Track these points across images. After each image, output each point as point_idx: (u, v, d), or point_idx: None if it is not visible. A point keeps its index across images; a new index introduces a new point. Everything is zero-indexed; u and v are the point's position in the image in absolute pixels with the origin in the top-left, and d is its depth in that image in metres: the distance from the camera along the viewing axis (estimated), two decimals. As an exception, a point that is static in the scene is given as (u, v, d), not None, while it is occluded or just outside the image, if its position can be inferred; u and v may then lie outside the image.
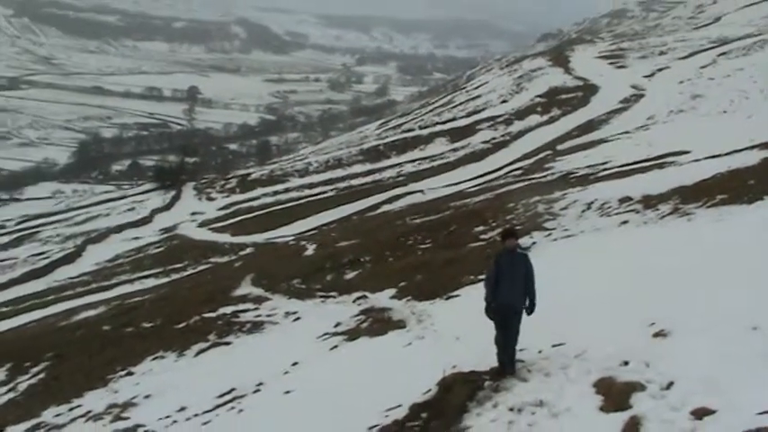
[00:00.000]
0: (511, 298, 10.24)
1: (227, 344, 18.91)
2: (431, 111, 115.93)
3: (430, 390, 10.97)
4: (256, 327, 19.87)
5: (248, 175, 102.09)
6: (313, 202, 68.66)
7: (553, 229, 23.88)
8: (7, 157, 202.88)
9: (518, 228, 20.35)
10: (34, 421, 16.68)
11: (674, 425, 7.53)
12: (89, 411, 16.19)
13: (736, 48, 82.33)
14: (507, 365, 10.26)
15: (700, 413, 7.31)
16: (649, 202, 24.18)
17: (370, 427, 10.47)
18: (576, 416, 8.80)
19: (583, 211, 25.58)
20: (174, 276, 45.18)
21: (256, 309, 21.81)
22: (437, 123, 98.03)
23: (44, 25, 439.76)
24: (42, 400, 18.31)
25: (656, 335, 10.28)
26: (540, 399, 9.54)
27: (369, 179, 76.39)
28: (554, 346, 11.05)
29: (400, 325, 15.91)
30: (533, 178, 44.73)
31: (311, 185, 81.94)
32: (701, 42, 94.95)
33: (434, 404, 10.58)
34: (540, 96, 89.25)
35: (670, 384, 8.53)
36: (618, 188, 28.13)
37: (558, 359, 10.58)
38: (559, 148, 59.85)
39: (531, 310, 10.49)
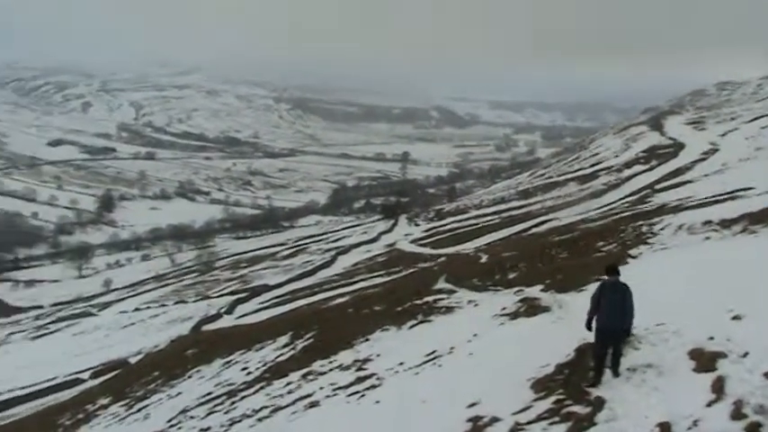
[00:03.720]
0: (611, 323, 9.30)
1: (430, 321, 18.95)
2: (564, 164, 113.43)
3: (569, 354, 10.74)
4: (449, 310, 19.81)
5: (442, 209, 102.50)
6: (485, 227, 68.11)
7: (653, 243, 22.93)
8: (287, 199, 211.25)
9: (630, 249, 19.66)
10: (306, 369, 17.19)
11: (749, 383, 7.35)
12: (341, 364, 16.57)
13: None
14: (598, 374, 9.36)
15: (769, 374, 6.91)
16: (725, 224, 23.03)
17: (528, 379, 10.35)
18: (677, 374, 8.48)
19: (675, 231, 24.42)
20: (394, 276, 45.68)
21: (448, 298, 21.76)
22: (569, 172, 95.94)
23: (310, 114, 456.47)
24: (311, 356, 18.85)
25: (734, 318, 9.83)
26: (649, 362, 9.26)
27: (522, 211, 75.17)
28: (657, 325, 10.63)
29: (546, 309, 15.61)
30: (638, 209, 42.94)
31: (484, 215, 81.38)
32: (761, 110, 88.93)
33: (573, 364, 10.35)
34: (642, 152, 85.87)
35: (746, 354, 8.21)
36: (701, 214, 26.75)
37: (660, 334, 10.26)
38: (657, 187, 57.30)
39: (626, 335, 9.60)
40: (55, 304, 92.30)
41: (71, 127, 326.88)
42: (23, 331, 69.44)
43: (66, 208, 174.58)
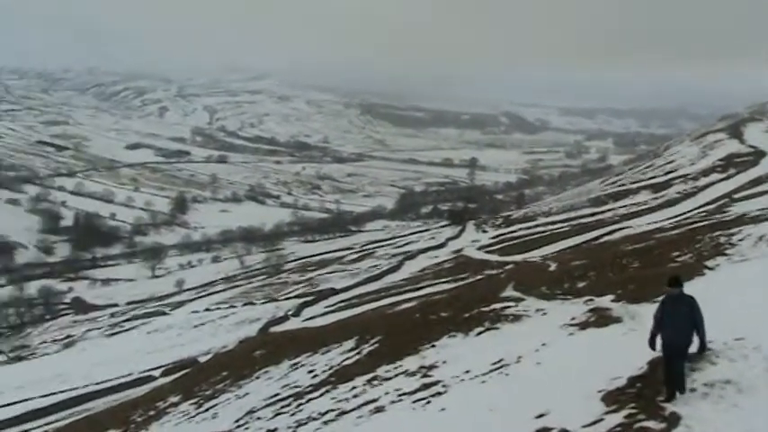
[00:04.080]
0: (674, 338, 8.85)
1: (497, 329, 18.70)
2: (638, 171, 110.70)
3: (642, 367, 10.42)
4: (516, 318, 19.52)
5: (510, 215, 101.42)
6: (554, 234, 67.01)
7: (732, 254, 22.06)
8: (355, 203, 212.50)
9: (707, 260, 19.01)
10: (372, 374, 17.19)
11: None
12: (406, 370, 16.50)
13: None
14: (671, 390, 8.96)
15: None
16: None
17: (599, 391, 10.07)
18: (757, 392, 8.11)
19: (756, 242, 23.45)
20: (461, 282, 45.38)
21: (516, 306, 21.44)
22: (642, 180, 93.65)
23: (379, 119, 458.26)
24: (377, 361, 18.84)
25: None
26: (728, 378, 8.89)
27: (593, 219, 73.68)
28: (736, 339, 10.16)
29: (618, 320, 15.23)
30: (715, 218, 41.54)
31: (553, 222, 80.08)
32: None
33: (646, 377, 10.04)
34: (720, 160, 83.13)
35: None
36: (784, 226, 25.67)
37: (739, 350, 9.80)
38: (735, 196, 55.36)
39: (702, 349, 9.19)
40: (130, 303, 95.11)
41: (148, 131, 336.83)
42: (100, 328, 71.81)
43: (142, 209, 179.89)
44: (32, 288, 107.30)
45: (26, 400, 38.92)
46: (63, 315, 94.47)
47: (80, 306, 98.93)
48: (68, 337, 69.70)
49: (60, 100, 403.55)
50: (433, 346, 18.42)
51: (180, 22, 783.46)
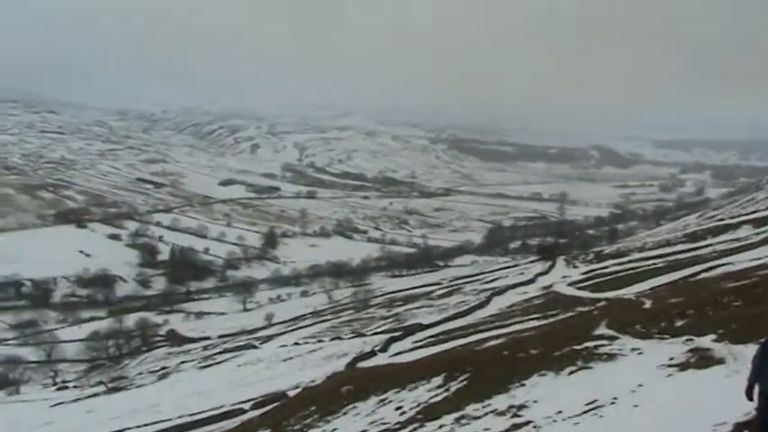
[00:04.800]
0: None
1: (590, 368, 18.07)
2: (738, 205, 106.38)
3: (749, 412, 9.79)
4: (610, 357, 18.83)
5: (602, 251, 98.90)
6: (648, 270, 64.76)
7: None
8: (443, 238, 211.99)
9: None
10: (460, 413, 16.87)
11: None
12: (495, 409, 16.12)
13: None
14: None
15: None
16: None
17: (702, 437, 9.54)
18: None
19: None
20: (551, 319, 44.32)
21: (610, 344, 20.71)
22: (743, 214, 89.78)
23: (466, 154, 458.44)
24: (465, 399, 18.50)
25: None
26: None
27: (690, 255, 70.93)
28: None
29: (721, 361, 14.45)
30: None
31: (647, 258, 77.53)
32: None
33: (753, 424, 9.44)
34: (828, 193, 79.02)
35: None
36: None
37: None
38: None
39: None
40: (221, 336, 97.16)
41: (241, 167, 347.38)
42: (193, 360, 73.51)
43: (234, 244, 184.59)
44: (130, 320, 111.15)
45: (122, 430, 40.06)
46: (158, 347, 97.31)
47: (175, 338, 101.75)
48: (163, 368, 71.62)
49: (159, 139, 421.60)
50: (523, 384, 17.96)
51: (271, 63, 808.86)
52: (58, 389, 74.81)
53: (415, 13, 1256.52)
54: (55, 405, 59.26)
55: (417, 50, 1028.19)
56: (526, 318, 50.03)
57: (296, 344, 67.49)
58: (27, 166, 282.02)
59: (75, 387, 72.96)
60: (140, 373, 73.16)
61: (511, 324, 47.77)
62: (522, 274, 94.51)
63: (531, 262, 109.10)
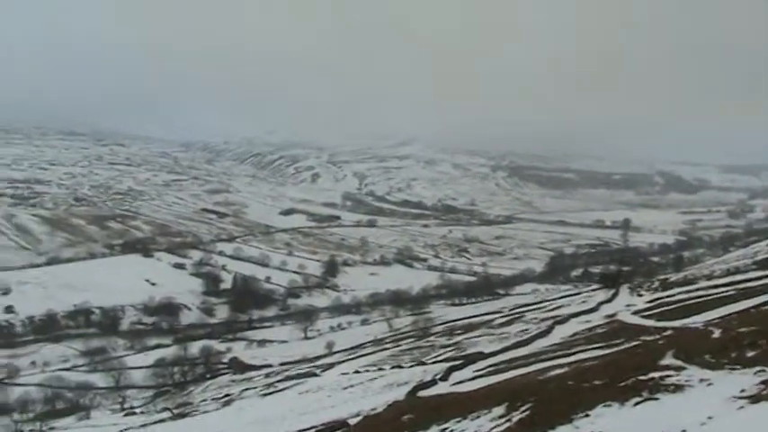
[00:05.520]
0: None
1: (656, 399, 17.68)
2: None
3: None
4: (678, 388, 18.38)
5: (667, 278, 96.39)
6: (717, 299, 62.81)
7: None
8: (503, 266, 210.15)
9: None
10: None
11: None
12: (560, 440, 15.95)
13: None
14: None
15: None
16: None
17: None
18: None
19: None
20: (615, 349, 43.40)
21: (677, 375, 20.21)
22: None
23: (527, 181, 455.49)
24: (527, 429, 18.33)
25: None
26: None
27: (761, 282, 68.63)
28: None
29: (796, 393, 14.01)
30: None
31: (715, 286, 75.22)
32: None
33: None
34: None
35: None
36: None
37: None
38: None
39: None
40: (283, 363, 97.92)
41: (301, 197, 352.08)
42: (255, 388, 74.25)
43: (295, 272, 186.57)
44: (195, 348, 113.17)
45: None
46: (222, 374, 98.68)
47: (237, 366, 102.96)
48: (227, 395, 72.54)
49: (222, 169, 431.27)
50: (587, 415, 17.67)
51: (330, 93, 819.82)
52: (126, 414, 76.52)
53: (475, 42, 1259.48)
54: (123, 430, 60.65)
55: (478, 78, 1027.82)
56: (589, 347, 49.09)
57: (357, 372, 67.59)
58: (96, 197, 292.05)
59: (142, 413, 74.45)
60: (205, 400, 74.24)
61: (573, 353, 46.94)
62: (584, 302, 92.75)
63: (594, 290, 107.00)
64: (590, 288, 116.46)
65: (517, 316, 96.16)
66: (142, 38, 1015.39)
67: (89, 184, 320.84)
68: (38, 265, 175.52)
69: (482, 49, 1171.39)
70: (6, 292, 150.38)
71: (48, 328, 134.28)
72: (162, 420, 62.53)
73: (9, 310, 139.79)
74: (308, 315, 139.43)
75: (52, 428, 74.98)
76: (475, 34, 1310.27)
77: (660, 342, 37.78)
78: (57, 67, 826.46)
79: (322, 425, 41.85)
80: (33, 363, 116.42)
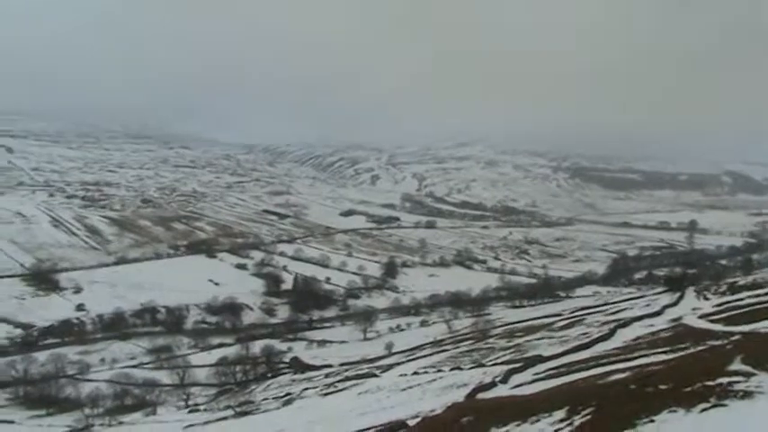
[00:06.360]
0: None
1: (724, 405, 17.20)
2: None
3: None
4: (747, 395, 17.85)
5: (736, 282, 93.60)
6: (789, 303, 60.73)
7: None
8: (564, 268, 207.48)
9: None
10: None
11: None
12: (622, 445, 15.66)
13: None
14: None
15: None
16: None
17: None
18: None
19: None
20: (681, 353, 42.35)
21: (746, 381, 19.62)
22: None
23: (589, 182, 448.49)
24: (588, 433, 18.04)
25: None
26: None
27: (837, 286, 66.07)
28: None
29: None
30: None
31: (787, 290, 72.74)
32: None
33: None
34: None
35: None
36: None
37: None
38: None
39: None
40: (342, 364, 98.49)
41: (361, 198, 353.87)
42: (315, 387, 74.92)
43: (355, 273, 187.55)
44: (256, 347, 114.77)
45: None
46: (283, 374, 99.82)
47: (298, 365, 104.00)
48: (287, 394, 73.33)
49: (283, 171, 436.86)
50: (652, 420, 17.29)
51: (390, 95, 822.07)
52: (190, 411, 78.15)
53: (536, 41, 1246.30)
54: (187, 426, 61.92)
55: (539, 78, 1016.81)
56: (653, 351, 47.99)
57: (415, 373, 67.53)
58: (162, 198, 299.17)
59: (205, 410, 75.90)
60: (266, 399, 75.24)
61: (636, 357, 45.96)
62: (648, 305, 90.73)
63: (658, 293, 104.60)
64: (654, 291, 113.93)
65: (578, 319, 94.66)
66: (211, 43, 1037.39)
67: (155, 186, 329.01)
68: (107, 265, 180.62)
69: (547, 49, 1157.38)
70: (78, 290, 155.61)
71: (116, 326, 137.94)
72: (224, 418, 63.62)
73: (80, 308, 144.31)
74: (367, 316, 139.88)
75: (121, 423, 77.07)
76: (541, 34, 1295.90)
77: (728, 347, 36.69)
78: (127, 72, 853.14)
79: (381, 425, 41.98)
80: (103, 359, 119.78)
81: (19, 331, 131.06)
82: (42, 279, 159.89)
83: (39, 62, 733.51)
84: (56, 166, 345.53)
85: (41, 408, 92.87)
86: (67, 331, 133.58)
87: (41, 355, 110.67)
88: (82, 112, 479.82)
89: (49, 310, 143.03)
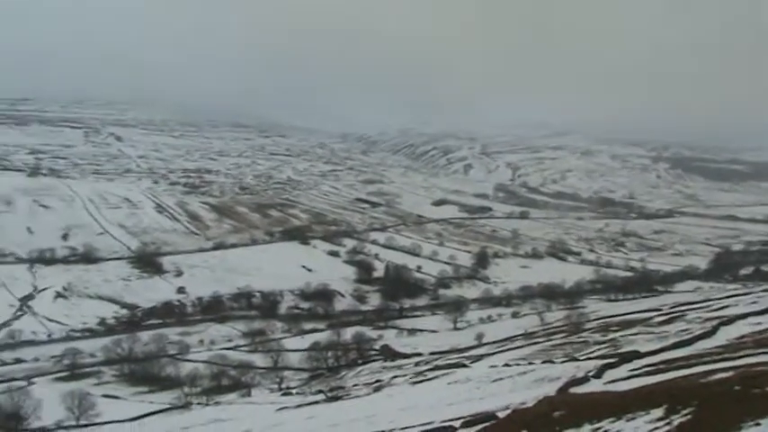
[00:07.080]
0: None
1: (838, 411, 16.15)
2: None
3: None
4: None
5: None
6: None
7: None
8: (663, 262, 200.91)
9: None
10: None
11: None
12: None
13: None
14: None
15: None
16: None
17: None
18: None
19: None
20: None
21: None
22: None
23: (691, 173, 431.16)
24: (688, 434, 17.27)
25: None
26: None
27: None
28: None
29: None
30: None
31: None
32: None
33: None
34: None
35: None
36: None
37: None
38: None
39: None
40: (432, 353, 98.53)
41: (453, 188, 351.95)
42: (405, 375, 75.23)
43: (446, 263, 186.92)
44: (348, 333, 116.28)
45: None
46: (373, 361, 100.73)
47: (388, 353, 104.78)
48: (377, 381, 73.92)
49: (376, 160, 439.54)
50: (758, 424, 16.39)
51: (484, 83, 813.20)
52: (283, 394, 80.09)
53: (631, 30, 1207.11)
54: (280, 409, 63.45)
55: (637, 66, 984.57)
56: (760, 351, 45.75)
57: (506, 365, 66.81)
58: (258, 186, 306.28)
59: (297, 393, 77.56)
60: (356, 385, 76.12)
61: (741, 357, 43.92)
62: (754, 303, 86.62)
63: (766, 290, 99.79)
64: (761, 288, 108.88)
65: (678, 315, 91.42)
66: (311, 35, 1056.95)
67: (252, 173, 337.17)
68: (206, 250, 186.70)
69: (640, 40, 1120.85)
70: (179, 274, 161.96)
71: (214, 309, 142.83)
72: (316, 402, 64.79)
73: (181, 290, 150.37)
74: (458, 306, 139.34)
75: (217, 403, 79.76)
76: (631, 26, 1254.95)
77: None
78: (228, 62, 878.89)
79: (470, 416, 41.67)
80: (201, 341, 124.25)
81: (125, 311, 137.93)
82: (147, 262, 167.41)
83: (144, 55, 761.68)
84: (160, 153, 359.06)
85: (144, 385, 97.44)
86: (169, 313, 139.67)
87: (145, 335, 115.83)
88: (185, 102, 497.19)
89: (153, 291, 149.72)
